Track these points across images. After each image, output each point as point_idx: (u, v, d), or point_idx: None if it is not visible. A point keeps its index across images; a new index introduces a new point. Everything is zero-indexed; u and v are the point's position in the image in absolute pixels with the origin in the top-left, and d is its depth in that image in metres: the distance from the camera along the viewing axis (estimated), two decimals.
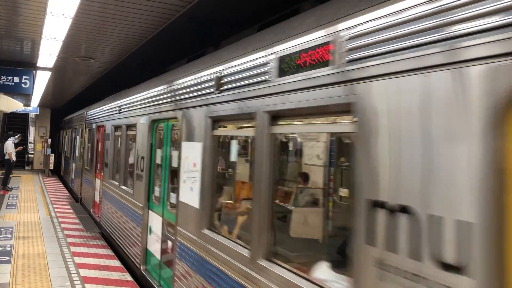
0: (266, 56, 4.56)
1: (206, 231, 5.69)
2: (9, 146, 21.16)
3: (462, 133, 2.47)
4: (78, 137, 20.09)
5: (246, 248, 4.80)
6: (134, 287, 8.30)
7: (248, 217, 5.18)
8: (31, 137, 33.60)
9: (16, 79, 13.72)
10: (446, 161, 2.55)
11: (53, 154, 29.01)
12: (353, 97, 3.30)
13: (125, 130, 10.72)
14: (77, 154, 20.13)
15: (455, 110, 2.51)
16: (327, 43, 3.67)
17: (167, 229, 7.47)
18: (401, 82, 2.89)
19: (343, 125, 3.65)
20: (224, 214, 6.09)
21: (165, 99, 7.60)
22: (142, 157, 8.76)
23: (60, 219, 14.12)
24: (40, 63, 13.13)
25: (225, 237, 5.41)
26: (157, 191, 8.20)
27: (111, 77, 15.71)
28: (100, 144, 14.25)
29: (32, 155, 32.14)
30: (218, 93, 5.50)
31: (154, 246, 8.01)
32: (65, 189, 22.56)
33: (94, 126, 15.49)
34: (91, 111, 16.73)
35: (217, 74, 5.57)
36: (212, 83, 5.71)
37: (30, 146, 33.10)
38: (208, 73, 5.91)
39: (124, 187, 10.37)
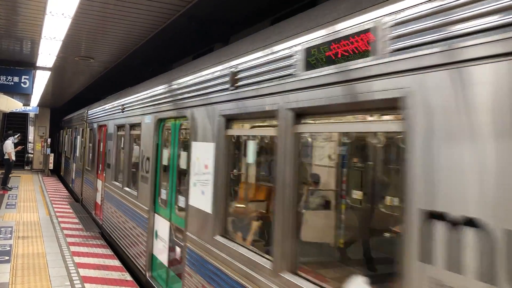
0: (291, 48, 3.98)
1: (220, 238, 5.09)
2: (9, 145, 20.73)
3: None
4: (78, 137, 19.31)
5: (267, 258, 4.23)
6: (134, 286, 8.06)
7: (266, 224, 4.67)
8: (30, 137, 33.01)
9: (16, 79, 13.37)
10: None
11: (52, 154, 28.45)
12: (401, 91, 2.75)
13: (128, 129, 10.06)
14: (77, 154, 19.39)
15: None
16: (366, 31, 3.11)
17: (175, 234, 6.83)
18: (471, 72, 2.33)
19: (387, 123, 3.09)
20: (239, 220, 5.53)
21: (173, 97, 6.99)
22: (148, 158, 8.11)
23: (60, 219, 13.76)
24: (39, 62, 12.81)
25: (241, 245, 4.82)
26: (163, 194, 7.56)
27: (110, 76, 15.37)
28: (102, 144, 13.60)
29: (32, 155, 31.60)
30: (233, 90, 4.92)
31: (161, 252, 7.39)
32: (65, 189, 22.11)
33: (95, 125, 14.77)
34: (92, 110, 15.99)
35: (232, 69, 4.99)
36: (226, 79, 5.13)
37: (30, 145, 32.54)
38: (221, 69, 5.33)
39: (127, 189, 9.72)
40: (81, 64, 13.33)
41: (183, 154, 6.65)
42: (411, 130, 2.67)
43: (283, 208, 3.93)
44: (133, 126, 9.71)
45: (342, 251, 4.46)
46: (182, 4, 7.25)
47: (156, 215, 7.72)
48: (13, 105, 19.01)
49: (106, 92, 16.58)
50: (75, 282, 7.87)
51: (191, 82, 6.26)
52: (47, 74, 14.85)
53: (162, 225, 7.40)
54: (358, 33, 3.19)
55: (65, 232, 11.90)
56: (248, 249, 4.64)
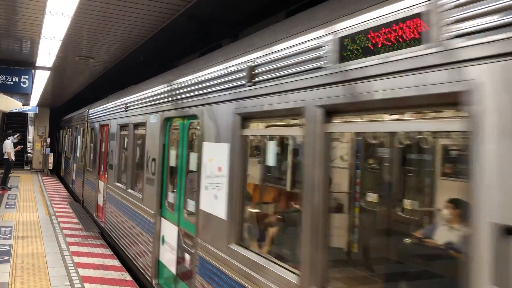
0: (321, 38, 3.43)
1: (236, 247, 4.53)
2: (8, 145, 20.39)
3: None
4: (79, 136, 18.53)
5: (292, 272, 3.68)
6: (134, 286, 7.80)
7: (289, 232, 4.18)
8: (30, 137, 32.55)
9: (15, 79, 13.07)
10: None
11: (52, 154, 27.94)
12: (465, 84, 2.24)
13: (132, 129, 9.33)
14: (78, 155, 18.64)
15: None
16: (416, 16, 2.59)
17: (184, 240, 6.22)
18: None
19: (444, 121, 2.55)
20: (257, 228, 4.94)
21: (181, 94, 6.41)
22: (153, 159, 7.48)
23: (59, 219, 13.40)
24: (39, 62, 12.53)
25: (261, 255, 4.27)
26: (171, 197, 6.95)
27: (110, 76, 15.12)
28: (104, 144, 12.96)
29: (31, 155, 31.13)
30: (250, 86, 4.37)
31: (168, 258, 6.78)
32: (64, 189, 21.70)
33: (97, 125, 14.01)
34: (93, 109, 15.23)
35: (250, 64, 4.42)
36: (242, 74, 4.56)
37: (29, 145, 32.07)
38: (236, 63, 4.76)
39: (131, 191, 9.07)
40: (80, 63, 13.10)
41: (193, 155, 6.09)
42: (479, 130, 2.17)
43: (311, 216, 3.42)
44: (137, 125, 9.10)
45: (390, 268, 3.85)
46: (182, 4, 7.04)
47: (162, 219, 7.12)
48: (12, 104, 18.87)
49: (105, 92, 16.35)
50: (74, 282, 7.66)
51: (202, 78, 5.71)
52: (47, 73, 14.56)
53: (169, 230, 6.81)
54: (406, 19, 2.67)
55: (65, 232, 11.62)
56: (269, 260, 4.10)
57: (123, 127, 10.30)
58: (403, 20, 2.71)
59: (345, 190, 4.24)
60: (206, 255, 5.17)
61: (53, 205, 15.86)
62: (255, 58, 4.37)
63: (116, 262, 9.14)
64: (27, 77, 13.13)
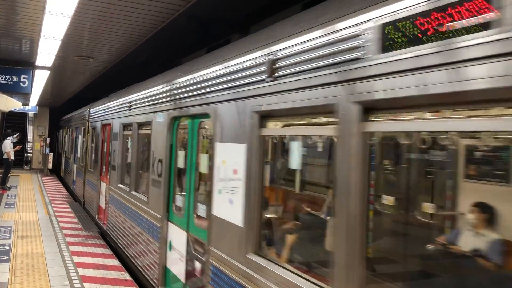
0: (358, 26, 3.04)
1: (254, 257, 4.11)
2: (8, 145, 20.27)
3: None
4: (80, 136, 17.99)
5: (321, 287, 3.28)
6: (133, 286, 7.71)
7: (315, 242, 3.82)
8: (29, 136, 32.32)
9: (15, 78, 13.02)
10: None
11: (51, 154, 27.74)
12: None
13: (136, 128, 8.80)
14: (79, 155, 18.07)
15: None
16: None
17: (193, 247, 5.76)
18: None
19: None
20: (278, 236, 4.52)
21: (191, 92, 5.93)
22: (160, 160, 7.01)
23: (59, 218, 13.29)
24: (38, 62, 12.50)
25: (282, 267, 3.83)
26: (179, 201, 6.47)
27: (110, 76, 15.00)
28: (106, 144, 12.47)
29: (31, 154, 30.90)
30: (271, 81, 3.96)
31: (176, 266, 6.29)
32: (64, 189, 21.45)
33: (98, 124, 13.47)
34: (95, 108, 14.67)
35: (270, 57, 4.01)
36: (261, 69, 4.15)
37: (29, 145, 31.81)
38: (254, 57, 4.32)
39: (136, 194, 8.56)
40: (80, 63, 13.00)
41: (204, 157, 5.63)
42: None
43: (346, 224, 3.01)
44: (141, 125, 8.61)
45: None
46: (181, 4, 7.01)
47: (170, 223, 6.65)
48: (12, 104, 18.56)
49: (105, 92, 16.14)
50: (74, 281, 7.62)
51: (214, 74, 5.23)
52: (46, 73, 14.48)
53: (177, 236, 6.32)
54: (465, 0, 2.32)
55: (64, 231, 11.52)
56: (294, 273, 3.67)
57: (126, 126, 9.85)
58: (460, 2, 2.36)
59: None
60: (220, 264, 4.71)
61: (53, 205, 15.71)
62: (277, 50, 3.95)
63: (115, 262, 9.01)
64: (26, 76, 13.05)
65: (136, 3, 7.13)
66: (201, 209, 5.55)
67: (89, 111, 15.74)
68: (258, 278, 4.00)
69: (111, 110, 11.63)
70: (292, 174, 4.44)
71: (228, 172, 4.64)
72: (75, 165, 19.13)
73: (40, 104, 27.73)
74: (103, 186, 12.41)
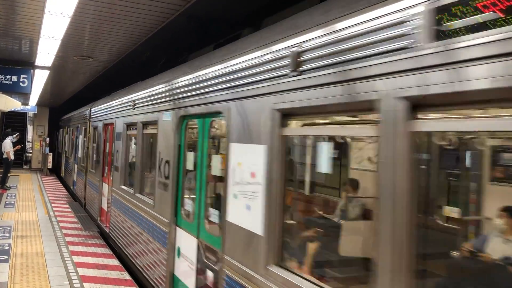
0: (404, 11, 2.65)
1: (277, 269, 3.69)
2: (7, 145, 20.08)
3: None
4: (81, 136, 17.48)
5: None
6: (133, 286, 7.65)
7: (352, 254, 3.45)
8: (29, 136, 32.11)
9: (14, 78, 12.91)
10: None
11: (51, 153, 27.52)
12: None
13: (141, 128, 8.37)
14: (79, 155, 17.55)
15: None
16: None
17: (205, 255, 5.31)
18: None
19: None
20: (303, 246, 4.11)
21: (201, 89, 5.49)
22: (167, 161, 6.58)
23: (59, 218, 13.14)
24: (38, 62, 12.36)
25: (312, 282, 3.40)
26: (188, 205, 6.02)
27: (109, 76, 14.85)
28: (108, 144, 12.00)
29: (30, 154, 30.68)
30: (295, 76, 3.55)
31: (185, 273, 5.84)
32: (64, 188, 21.23)
33: (100, 124, 12.96)
34: (96, 107, 14.13)
35: (295, 49, 3.60)
36: (284, 62, 3.74)
37: (28, 145, 31.57)
38: (276, 49, 3.91)
39: (140, 196, 8.09)
40: (80, 63, 12.87)
41: (216, 158, 5.23)
42: None
43: (391, 234, 2.62)
44: (147, 124, 8.16)
45: None
46: (181, 4, 6.93)
47: (178, 228, 6.21)
48: (11, 104, 18.22)
49: (105, 91, 15.90)
50: (74, 281, 7.56)
51: (228, 70, 4.80)
52: (46, 73, 14.32)
53: (186, 242, 5.87)
54: None
55: (64, 231, 11.40)
56: None
57: (130, 126, 9.40)
58: None
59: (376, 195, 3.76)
60: (236, 275, 4.29)
61: (52, 205, 15.57)
62: (302, 42, 3.54)
63: (115, 262, 8.90)
64: (26, 76, 12.94)
65: (136, 3, 7.03)
66: (214, 214, 5.13)
67: (90, 111, 15.28)
68: None
69: (113, 109, 11.19)
70: (317, 177, 4.12)
71: (245, 175, 4.21)
72: (76, 166, 18.68)
73: (39, 104, 27.45)
74: (105, 187, 12.02)
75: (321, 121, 3.61)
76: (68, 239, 10.66)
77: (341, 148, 3.93)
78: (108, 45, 10.46)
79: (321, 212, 4.47)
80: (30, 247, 9.62)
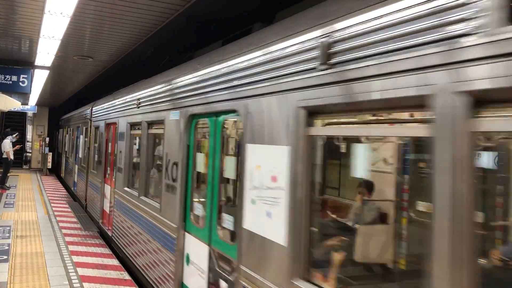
0: None
1: (302, 283, 3.30)
2: (7, 144, 19.81)
3: None
4: (81, 136, 16.94)
5: None
6: (132, 286, 7.55)
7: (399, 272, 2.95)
8: (29, 136, 31.79)
9: (14, 78, 12.80)
10: None
11: (51, 153, 27.25)
12: None
13: (146, 128, 7.91)
14: (80, 155, 16.99)
15: None
16: None
17: (218, 264, 4.90)
18: None
19: None
20: (334, 260, 3.74)
21: (213, 86, 5.06)
22: (175, 163, 6.16)
23: (58, 218, 12.98)
24: (38, 61, 12.25)
25: None
26: (199, 209, 5.60)
27: (109, 75, 14.72)
28: (110, 144, 11.54)
29: (30, 154, 30.36)
30: (325, 69, 3.14)
31: (195, 283, 5.42)
32: (63, 188, 20.95)
33: (102, 123, 12.41)
34: (98, 107, 13.59)
35: (324, 39, 3.19)
36: (310, 55, 3.32)
37: (28, 144, 31.24)
38: (301, 40, 3.49)
39: (146, 199, 7.66)
40: (80, 63, 12.75)
41: (230, 160, 4.84)
42: None
43: (451, 244, 2.24)
44: (152, 123, 7.70)
45: None
46: (181, 4, 6.86)
47: (187, 234, 5.78)
48: (11, 104, 17.91)
49: (105, 91, 15.71)
50: (73, 281, 7.47)
51: (244, 65, 4.38)
52: (46, 73, 14.20)
53: (196, 249, 5.44)
54: None
55: (64, 231, 11.26)
56: None
57: (134, 125, 8.92)
58: None
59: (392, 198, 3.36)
60: (254, 287, 3.91)
61: (52, 205, 15.38)
62: (333, 32, 3.12)
63: (115, 262, 8.79)
64: (26, 76, 12.84)
65: (136, 3, 6.95)
66: (227, 220, 4.73)
67: (91, 110, 14.78)
68: None
69: (116, 108, 10.67)
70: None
71: (265, 179, 3.81)
72: (76, 166, 18.22)
73: (39, 103, 27.20)
74: (107, 189, 11.51)
75: (355, 120, 3.21)
76: (67, 239, 10.53)
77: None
78: (108, 45, 10.33)
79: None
80: (30, 247, 9.51)
